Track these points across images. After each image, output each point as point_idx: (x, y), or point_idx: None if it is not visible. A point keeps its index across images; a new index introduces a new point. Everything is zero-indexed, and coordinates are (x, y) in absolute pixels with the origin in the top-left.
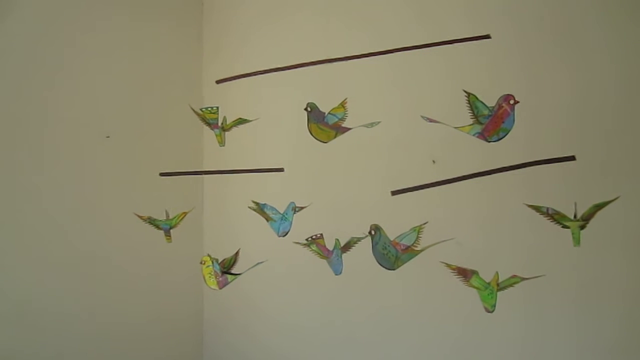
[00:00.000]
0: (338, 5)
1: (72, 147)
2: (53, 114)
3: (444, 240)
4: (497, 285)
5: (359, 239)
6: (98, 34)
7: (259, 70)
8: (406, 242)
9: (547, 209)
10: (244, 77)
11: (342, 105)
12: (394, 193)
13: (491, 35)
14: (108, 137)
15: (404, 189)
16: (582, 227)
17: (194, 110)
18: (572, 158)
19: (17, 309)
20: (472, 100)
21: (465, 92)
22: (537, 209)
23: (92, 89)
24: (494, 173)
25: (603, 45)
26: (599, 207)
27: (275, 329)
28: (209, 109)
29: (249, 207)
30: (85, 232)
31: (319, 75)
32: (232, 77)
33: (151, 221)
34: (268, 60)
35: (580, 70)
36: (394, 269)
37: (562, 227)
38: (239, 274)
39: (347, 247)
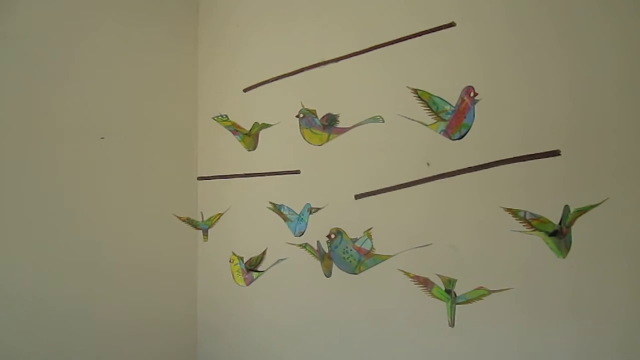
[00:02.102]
0: (333, 7)
1: (69, 149)
2: (54, 116)
3: (409, 248)
4: (455, 296)
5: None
6: (94, 38)
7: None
8: (365, 246)
9: (525, 213)
10: (268, 82)
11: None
12: (357, 197)
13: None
14: (102, 138)
15: (366, 193)
16: (562, 236)
17: (216, 120)
18: (557, 153)
19: (17, 306)
20: (424, 96)
21: (411, 88)
22: (514, 213)
23: (88, 92)
24: (470, 172)
25: (593, 34)
26: (581, 211)
27: (269, 329)
28: (221, 117)
29: (268, 207)
30: (83, 232)
31: (314, 78)
32: (257, 84)
33: (190, 222)
34: (264, 64)
35: (567, 63)
36: (355, 274)
37: (540, 234)
38: (262, 271)
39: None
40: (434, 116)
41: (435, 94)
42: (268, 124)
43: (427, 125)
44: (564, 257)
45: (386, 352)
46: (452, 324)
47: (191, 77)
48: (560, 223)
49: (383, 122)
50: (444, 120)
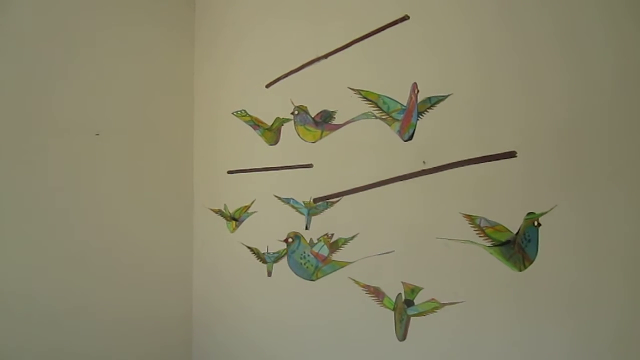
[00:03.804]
0: (330, 6)
1: (64, 147)
2: (52, 115)
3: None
4: (403, 308)
5: (347, 240)
6: (92, 36)
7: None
8: (323, 252)
9: (480, 220)
10: (287, 76)
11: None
12: (315, 200)
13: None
14: (97, 134)
15: (326, 196)
16: (512, 245)
17: (236, 115)
18: (513, 154)
19: (14, 304)
20: (370, 97)
21: (353, 89)
22: (471, 219)
23: (85, 90)
24: (422, 175)
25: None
26: (530, 219)
27: (263, 327)
28: (239, 112)
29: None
30: (80, 231)
31: (308, 74)
32: (277, 79)
33: (221, 214)
34: (260, 62)
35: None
36: (312, 280)
37: (488, 245)
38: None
39: (335, 247)
40: (387, 117)
41: (384, 94)
42: (288, 119)
43: (389, 125)
44: (519, 270)
45: None
46: (400, 338)
47: (188, 74)
48: (518, 232)
49: (375, 118)
50: (397, 120)
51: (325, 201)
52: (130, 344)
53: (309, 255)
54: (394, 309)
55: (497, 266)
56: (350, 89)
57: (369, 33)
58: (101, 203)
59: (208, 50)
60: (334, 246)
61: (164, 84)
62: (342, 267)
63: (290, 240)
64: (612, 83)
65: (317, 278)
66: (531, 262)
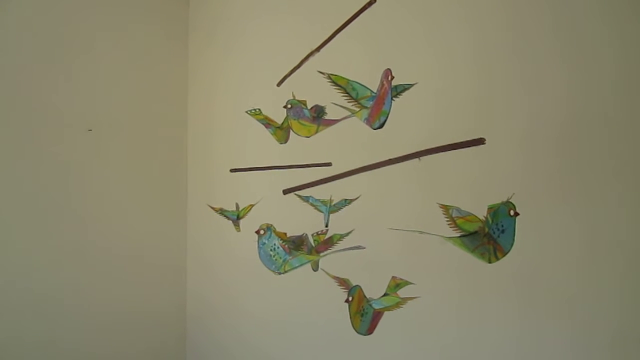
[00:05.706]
0: (328, 4)
1: (60, 143)
2: (51, 113)
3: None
4: (365, 302)
5: (342, 236)
6: (86, 33)
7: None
8: (289, 246)
9: (453, 210)
10: (292, 73)
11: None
12: (285, 192)
13: None
14: (90, 130)
15: (294, 187)
16: (480, 236)
17: (249, 113)
18: (482, 141)
19: (10, 297)
20: (340, 82)
21: (322, 72)
22: (446, 209)
23: (79, 86)
24: (392, 164)
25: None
26: (492, 208)
27: (257, 324)
28: (253, 110)
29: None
30: (75, 226)
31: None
32: (285, 76)
33: (222, 212)
34: (255, 58)
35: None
36: (280, 273)
37: (456, 236)
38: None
39: (330, 243)
40: (355, 103)
41: (354, 79)
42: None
43: (354, 114)
44: (488, 262)
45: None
46: (362, 332)
47: (182, 72)
48: (485, 222)
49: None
50: (366, 107)
51: (344, 199)
52: (125, 338)
53: (278, 248)
54: (346, 301)
55: (465, 258)
56: (320, 72)
57: (348, 20)
58: (95, 199)
59: (202, 48)
60: (329, 242)
61: (158, 81)
62: (310, 260)
63: (262, 232)
64: (611, 81)
65: (285, 271)
66: (505, 254)
